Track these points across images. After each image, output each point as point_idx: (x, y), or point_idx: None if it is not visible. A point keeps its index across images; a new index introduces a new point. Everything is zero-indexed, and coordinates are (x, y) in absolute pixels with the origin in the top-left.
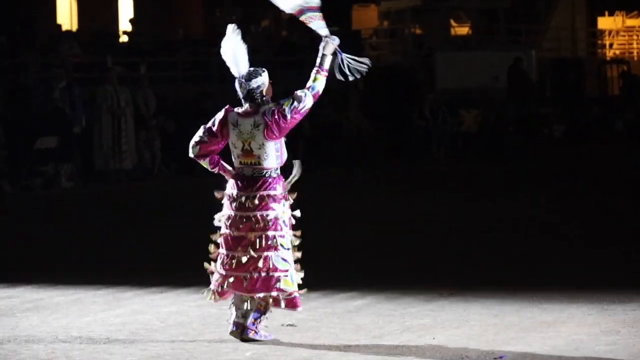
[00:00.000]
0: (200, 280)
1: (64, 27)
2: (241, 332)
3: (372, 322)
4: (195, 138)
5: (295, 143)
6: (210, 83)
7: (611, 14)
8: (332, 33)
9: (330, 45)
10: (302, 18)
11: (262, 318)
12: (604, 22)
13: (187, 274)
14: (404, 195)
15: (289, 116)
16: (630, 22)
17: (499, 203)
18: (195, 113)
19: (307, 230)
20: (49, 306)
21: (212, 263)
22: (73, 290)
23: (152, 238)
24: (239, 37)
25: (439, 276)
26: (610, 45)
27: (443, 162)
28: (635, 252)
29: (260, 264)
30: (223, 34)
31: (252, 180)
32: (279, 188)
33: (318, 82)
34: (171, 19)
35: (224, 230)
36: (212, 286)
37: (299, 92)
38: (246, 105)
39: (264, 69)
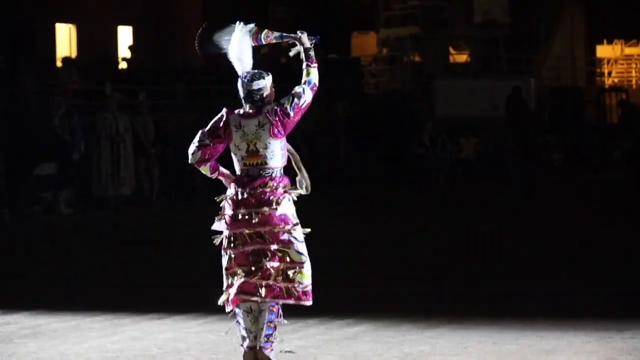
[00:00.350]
0: (198, 307)
1: (64, 54)
2: (254, 354)
3: (370, 349)
4: (195, 143)
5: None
6: (210, 111)
7: (610, 43)
8: (330, 61)
9: (304, 38)
10: (264, 42)
11: (274, 335)
12: (603, 51)
13: (185, 300)
14: (401, 221)
15: (291, 113)
16: (629, 50)
17: (497, 231)
18: None
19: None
20: (47, 332)
21: (226, 276)
22: (71, 317)
23: (150, 265)
24: (247, 35)
25: (438, 303)
26: (609, 74)
27: (442, 189)
28: (632, 281)
29: (275, 265)
30: (222, 63)
31: (258, 179)
32: (283, 185)
33: (312, 75)
34: (171, 46)
35: (226, 232)
36: (225, 295)
37: (297, 89)
38: (246, 107)
39: (268, 72)
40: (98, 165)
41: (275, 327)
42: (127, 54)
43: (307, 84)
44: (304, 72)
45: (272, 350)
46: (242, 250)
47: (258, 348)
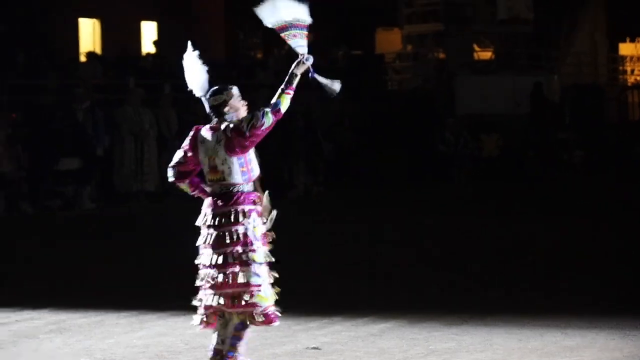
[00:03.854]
0: None
1: (87, 49)
2: (220, 359)
3: (396, 345)
4: (172, 161)
5: (316, 164)
6: None
7: (632, 40)
8: (355, 57)
9: (302, 65)
10: (283, 34)
11: (239, 345)
12: (625, 48)
13: None
14: (424, 218)
15: (247, 134)
16: None
17: (521, 227)
18: None
19: (329, 252)
20: (71, 328)
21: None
22: (96, 312)
23: (175, 260)
24: (196, 57)
25: (463, 300)
26: (632, 71)
27: (464, 186)
28: None
29: (230, 280)
30: (246, 57)
31: (222, 196)
32: (250, 202)
33: (282, 100)
34: (194, 41)
35: (201, 251)
36: (199, 313)
37: (258, 112)
38: (214, 121)
39: (232, 85)
40: (121, 160)
41: (240, 337)
42: (151, 49)
43: (272, 107)
44: (277, 94)
45: None
46: (209, 264)
47: (224, 354)
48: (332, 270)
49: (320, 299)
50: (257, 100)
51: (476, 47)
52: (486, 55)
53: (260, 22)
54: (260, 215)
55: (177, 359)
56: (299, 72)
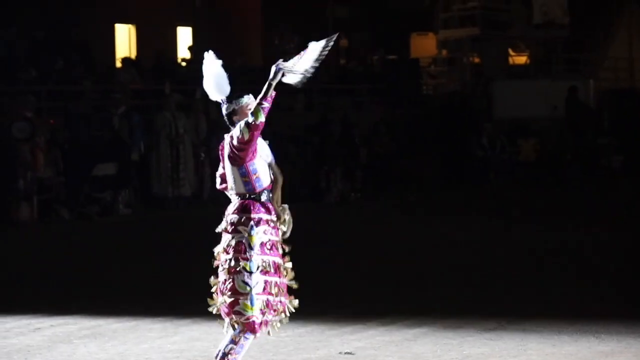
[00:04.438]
0: None
1: (123, 54)
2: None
3: (430, 350)
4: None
5: (353, 170)
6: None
7: None
8: (390, 62)
9: (276, 74)
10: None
11: (234, 351)
12: None
13: None
14: (459, 222)
15: (236, 144)
16: None
17: (557, 232)
18: None
19: (363, 258)
20: (106, 333)
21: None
22: (130, 317)
23: (210, 265)
24: (219, 63)
25: (497, 305)
26: None
27: (501, 191)
28: None
29: (227, 286)
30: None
31: (232, 205)
32: (257, 211)
33: (257, 114)
34: (230, 46)
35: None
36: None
37: (239, 126)
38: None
39: (248, 94)
40: (157, 165)
41: (235, 342)
42: (187, 54)
43: (247, 124)
44: (253, 107)
45: None
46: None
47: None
48: (366, 275)
49: (354, 304)
50: (295, 104)
51: (511, 52)
52: (521, 59)
53: (294, 27)
54: (270, 225)
55: None
56: (274, 82)
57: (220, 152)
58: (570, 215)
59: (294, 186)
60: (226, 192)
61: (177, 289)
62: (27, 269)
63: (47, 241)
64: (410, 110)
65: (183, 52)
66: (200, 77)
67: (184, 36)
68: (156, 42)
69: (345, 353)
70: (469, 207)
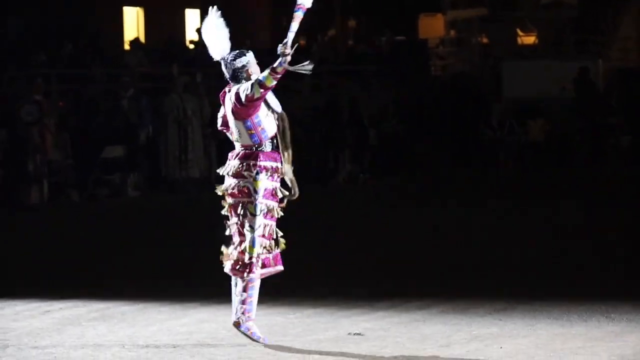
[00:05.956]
0: (267, 290)
1: (131, 37)
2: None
3: (439, 331)
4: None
5: (362, 152)
6: (274, 90)
7: None
8: (398, 43)
9: (288, 49)
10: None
11: (245, 304)
12: None
13: None
14: (468, 203)
15: (243, 101)
16: None
17: (567, 212)
18: None
19: (372, 240)
20: (115, 315)
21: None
22: (139, 300)
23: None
24: (221, 19)
25: (506, 285)
26: None
27: (510, 172)
28: None
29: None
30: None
31: (237, 153)
32: (264, 159)
33: (267, 78)
34: (238, 28)
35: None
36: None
37: (252, 83)
38: (232, 85)
39: (249, 50)
40: (166, 148)
41: (244, 301)
42: (195, 36)
43: (258, 80)
44: (267, 70)
45: (243, 324)
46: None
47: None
48: (374, 256)
49: (363, 286)
50: (302, 87)
51: (519, 32)
52: (529, 39)
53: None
54: (275, 172)
55: (220, 345)
56: (286, 52)
57: (220, 98)
58: (579, 195)
59: (303, 168)
60: (227, 134)
61: (186, 271)
62: (37, 251)
63: (57, 224)
64: (419, 91)
65: (191, 34)
66: (208, 59)
67: (192, 18)
68: (164, 24)
69: (355, 334)
70: (477, 187)
